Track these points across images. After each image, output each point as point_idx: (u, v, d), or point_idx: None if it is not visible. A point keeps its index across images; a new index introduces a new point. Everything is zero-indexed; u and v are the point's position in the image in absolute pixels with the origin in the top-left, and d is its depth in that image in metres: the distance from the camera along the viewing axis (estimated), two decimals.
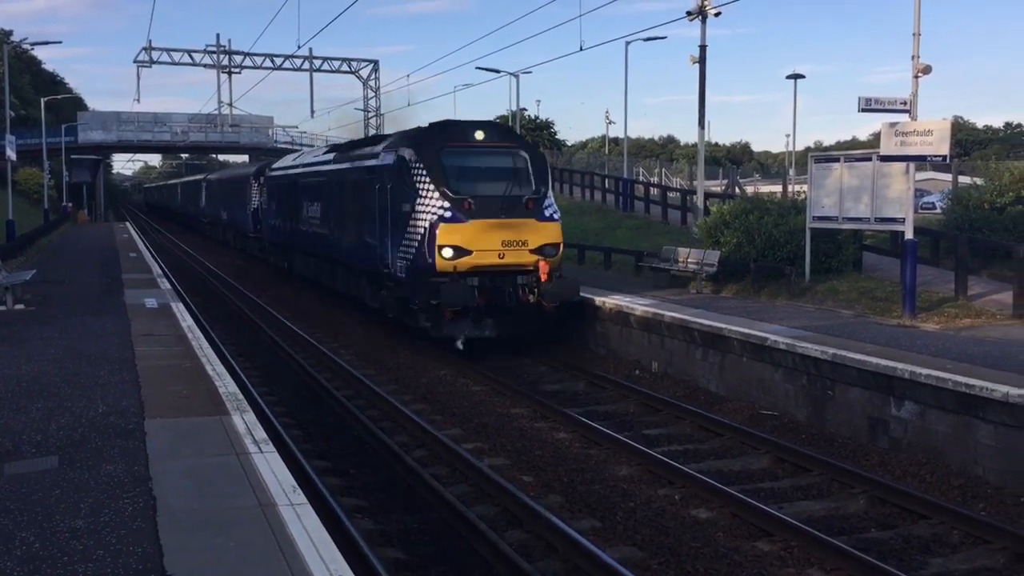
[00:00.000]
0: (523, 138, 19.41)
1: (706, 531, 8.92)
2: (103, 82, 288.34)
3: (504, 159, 17.54)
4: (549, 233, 17.00)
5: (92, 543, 6.09)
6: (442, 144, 17.22)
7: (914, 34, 15.30)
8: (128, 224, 61.86)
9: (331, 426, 12.98)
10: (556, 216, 17.30)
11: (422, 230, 16.56)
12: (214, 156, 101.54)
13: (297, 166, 28.53)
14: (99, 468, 7.71)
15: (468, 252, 16.36)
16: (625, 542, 8.67)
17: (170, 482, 7.30)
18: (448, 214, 16.40)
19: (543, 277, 16.68)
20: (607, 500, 9.80)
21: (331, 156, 24.03)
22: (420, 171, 16.88)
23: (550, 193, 17.67)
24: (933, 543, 8.62)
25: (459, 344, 16.74)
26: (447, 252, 16.29)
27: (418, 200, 16.76)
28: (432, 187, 16.66)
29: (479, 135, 17.40)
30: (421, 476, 10.25)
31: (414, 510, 9.56)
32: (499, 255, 16.55)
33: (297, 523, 6.37)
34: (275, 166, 33.02)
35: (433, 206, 16.52)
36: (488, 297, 16.49)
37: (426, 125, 18.90)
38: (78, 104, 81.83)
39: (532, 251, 16.72)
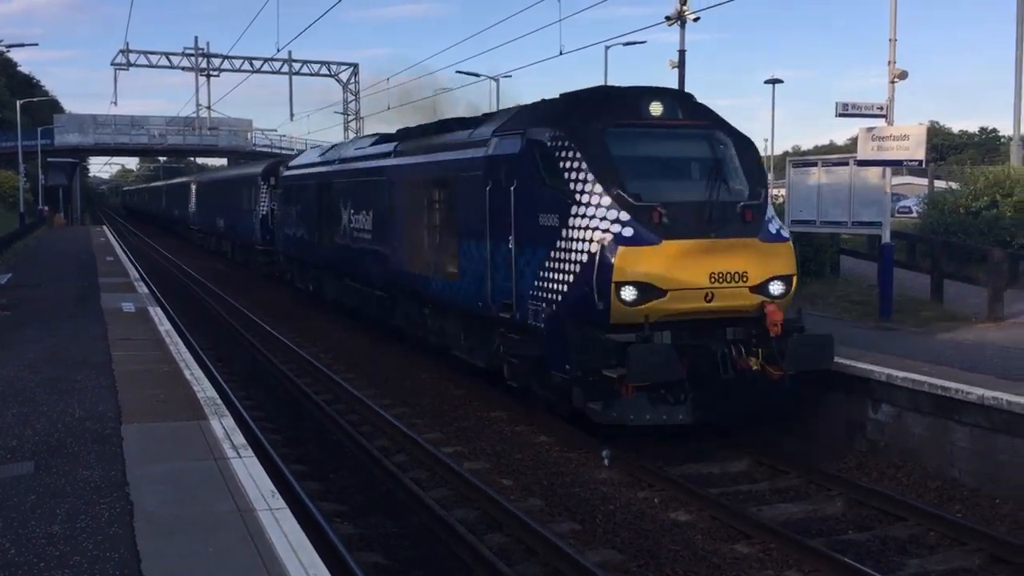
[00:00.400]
0: (718, 115, 12.22)
1: (685, 533, 8.95)
2: (80, 85, 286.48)
3: (699, 145, 11.70)
4: (779, 260, 11.04)
5: (68, 549, 6.04)
6: (606, 122, 11.42)
7: (890, 39, 15.46)
8: (105, 228, 61.36)
9: (310, 430, 12.94)
10: (785, 234, 11.39)
11: (581, 256, 10.71)
12: (192, 159, 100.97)
13: (330, 162, 22.23)
14: (75, 473, 7.64)
15: (662, 293, 10.44)
16: (605, 545, 8.69)
17: (147, 487, 7.25)
18: (629, 231, 10.45)
19: (774, 330, 10.66)
20: (587, 503, 9.82)
21: (388, 148, 17.88)
22: (574, 163, 11.06)
23: (770, 198, 11.85)
24: (910, 544, 8.69)
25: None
26: (628, 293, 10.35)
27: (574, 208, 10.91)
28: (598, 188, 10.78)
29: (656, 108, 11.60)
30: (400, 480, 10.24)
31: (394, 514, 9.54)
32: (706, 296, 10.61)
33: (276, 528, 6.34)
34: (295, 163, 27.16)
35: (601, 218, 10.62)
36: (689, 362, 10.44)
37: (564, 94, 12.68)
38: (54, 107, 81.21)
39: (753, 289, 10.82)
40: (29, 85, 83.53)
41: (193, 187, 51.12)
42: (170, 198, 64.68)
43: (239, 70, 62.43)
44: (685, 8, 26.71)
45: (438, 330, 15.58)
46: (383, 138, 19.67)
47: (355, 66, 64.76)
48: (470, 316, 13.78)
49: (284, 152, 63.38)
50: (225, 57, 61.90)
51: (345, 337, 20.12)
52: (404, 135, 17.92)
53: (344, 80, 64.30)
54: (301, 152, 32.37)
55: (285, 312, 24.19)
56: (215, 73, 63.11)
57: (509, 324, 12.23)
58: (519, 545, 8.57)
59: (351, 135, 60.25)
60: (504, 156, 12.34)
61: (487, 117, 14.55)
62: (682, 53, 27.28)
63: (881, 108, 15.53)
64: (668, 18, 27.09)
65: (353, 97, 63.51)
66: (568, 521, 9.27)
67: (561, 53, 41.41)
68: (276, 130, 75.78)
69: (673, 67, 27.33)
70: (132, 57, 59.72)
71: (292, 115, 62.19)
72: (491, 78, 46.37)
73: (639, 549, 8.55)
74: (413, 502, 9.72)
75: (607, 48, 40.27)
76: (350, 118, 62.76)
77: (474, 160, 13.25)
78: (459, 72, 75.13)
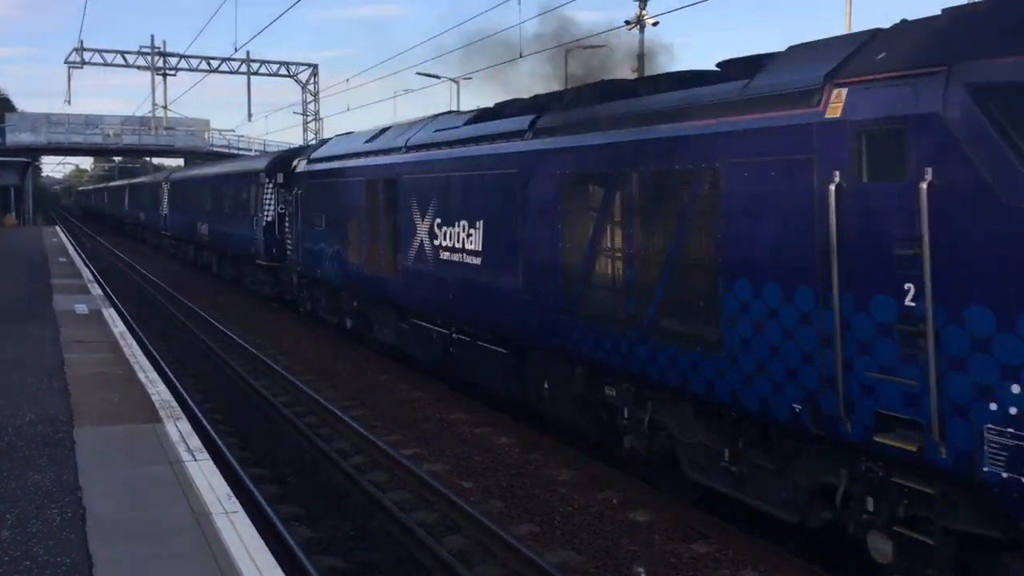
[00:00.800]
0: None
1: (644, 534, 9.00)
2: (33, 83, 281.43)
3: None
4: None
5: (19, 554, 5.93)
6: None
7: None
8: (58, 228, 60.27)
9: (269, 433, 12.82)
10: None
11: None
12: (148, 159, 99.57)
13: (390, 150, 15.44)
14: (26, 478, 7.50)
15: None
16: (564, 546, 8.71)
17: (100, 491, 7.14)
18: None
19: None
20: (547, 504, 9.83)
21: (518, 124, 11.47)
22: None
23: None
24: None
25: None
26: None
27: None
28: None
29: None
30: (359, 483, 10.19)
31: (353, 517, 9.49)
32: None
33: (232, 531, 6.28)
34: (319, 154, 20.20)
35: None
36: None
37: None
38: (6, 105, 79.61)
39: None
40: None
41: (166, 186, 42.93)
42: (135, 198, 57.00)
43: (196, 69, 61.67)
44: (644, 13, 26.98)
45: (652, 436, 9.38)
46: (487, 113, 13.14)
47: (314, 67, 64.32)
48: (759, 426, 7.85)
49: (242, 152, 62.70)
50: (182, 56, 61.15)
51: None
52: (550, 102, 11.40)
53: (303, 81, 63.85)
54: (323, 141, 23.17)
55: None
56: (171, 72, 62.30)
57: (903, 464, 6.46)
58: (478, 547, 8.56)
59: (311, 136, 59.83)
60: (885, 121, 6.37)
61: (782, 55, 7.87)
62: (641, 57, 27.52)
63: None
64: (628, 22, 27.33)
65: (312, 98, 63.10)
66: (527, 523, 9.28)
67: (521, 55, 41.43)
68: (234, 130, 74.89)
69: (633, 70, 27.55)
70: (87, 55, 58.75)
71: (250, 115, 61.58)
72: (452, 80, 46.27)
73: (598, 550, 8.58)
74: (372, 505, 9.68)
75: (568, 51, 40.35)
76: (309, 119, 62.34)
77: (791, 132, 7.09)
78: (419, 74, 74.90)
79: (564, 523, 9.28)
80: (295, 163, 22.07)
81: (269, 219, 24.43)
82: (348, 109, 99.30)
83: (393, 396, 14.89)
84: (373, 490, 9.98)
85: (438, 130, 14.14)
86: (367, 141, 17.35)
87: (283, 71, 63.99)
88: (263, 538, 6.30)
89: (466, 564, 8.11)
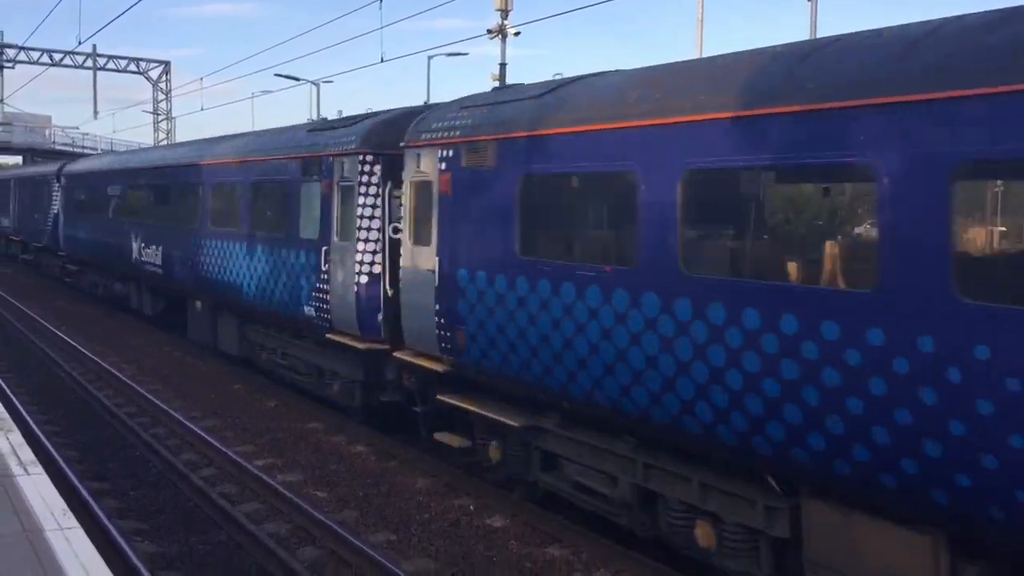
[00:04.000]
0: None
1: (499, 539, 9.05)
2: None
3: None
4: None
5: None
6: None
7: None
8: None
9: (112, 445, 12.23)
10: None
11: None
12: None
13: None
14: None
15: None
16: (420, 554, 8.66)
17: None
18: None
19: None
20: (403, 512, 9.76)
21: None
22: None
23: None
24: None
25: None
26: None
27: None
28: None
29: None
30: (208, 495, 9.85)
31: (200, 531, 9.16)
32: None
33: (67, 549, 5.94)
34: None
35: None
36: None
37: None
38: None
39: None
40: None
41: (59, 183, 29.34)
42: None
43: (37, 62, 58.35)
44: (506, 23, 27.30)
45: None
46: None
47: (167, 64, 62.00)
48: None
49: (87, 152, 59.71)
50: (20, 48, 57.74)
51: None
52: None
53: (154, 78, 61.42)
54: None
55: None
56: (9, 65, 58.75)
57: None
58: (333, 557, 8.41)
59: (162, 136, 57.62)
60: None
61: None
62: (503, 66, 27.89)
63: None
64: (490, 31, 27.57)
65: (164, 96, 60.78)
66: (384, 531, 9.19)
67: (382, 60, 41.27)
68: (78, 128, 71.15)
69: (494, 80, 27.84)
70: None
71: (96, 112, 58.69)
72: (311, 82, 45.52)
73: (454, 556, 8.57)
74: (222, 517, 9.37)
75: (430, 58, 40.37)
76: (161, 118, 60.00)
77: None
78: (278, 75, 73.40)
79: (421, 531, 9.23)
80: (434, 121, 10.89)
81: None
82: (203, 109, 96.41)
83: (246, 406, 14.47)
84: (223, 503, 9.66)
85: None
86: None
87: (132, 67, 61.38)
88: (102, 555, 5.99)
89: (319, 575, 7.95)
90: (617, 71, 9.11)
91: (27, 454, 8.17)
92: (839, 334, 5.96)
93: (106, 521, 8.54)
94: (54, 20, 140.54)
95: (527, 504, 9.70)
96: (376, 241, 11.75)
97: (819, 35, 22.79)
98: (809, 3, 23.01)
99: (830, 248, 6.54)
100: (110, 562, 5.96)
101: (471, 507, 9.92)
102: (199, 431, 12.32)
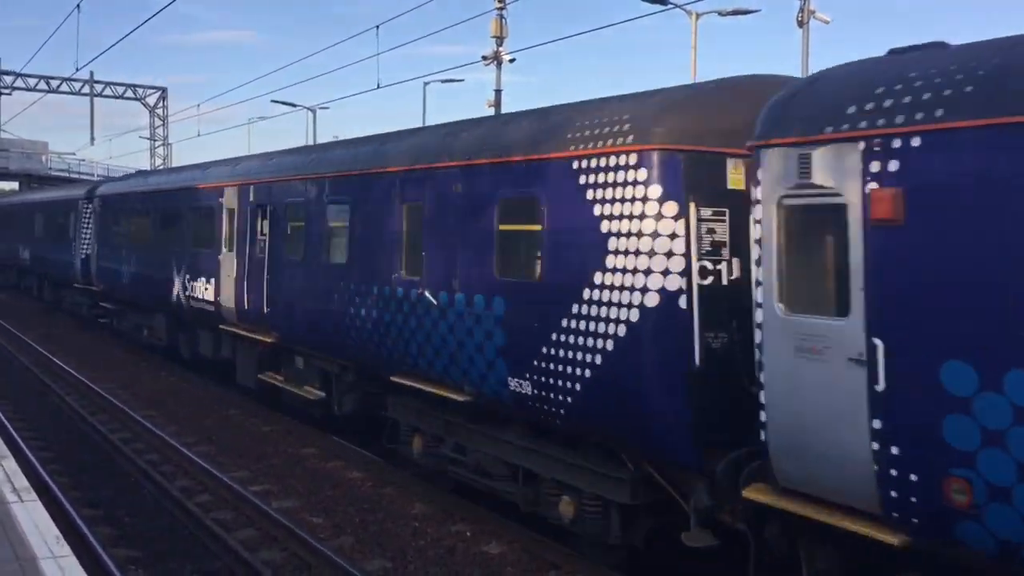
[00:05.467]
0: None
1: (495, 566, 8.99)
2: None
3: None
4: None
5: None
6: None
7: None
8: None
9: (107, 472, 12.15)
10: None
11: None
12: None
13: None
14: None
15: None
16: None
17: None
18: None
19: None
20: (399, 539, 9.69)
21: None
22: None
23: None
24: None
25: None
26: None
27: None
28: None
29: None
30: (203, 522, 9.78)
31: (195, 558, 9.08)
32: None
33: None
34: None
35: None
36: None
37: None
38: None
39: None
40: None
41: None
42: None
43: (34, 89, 58.51)
44: (501, 49, 27.44)
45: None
46: None
47: (163, 90, 62.18)
48: None
49: (83, 177, 59.76)
50: (18, 75, 57.93)
51: None
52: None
53: (151, 104, 61.61)
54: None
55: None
56: (7, 91, 58.89)
57: None
58: None
59: (159, 162, 57.71)
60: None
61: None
62: (498, 92, 28.00)
63: None
64: (485, 58, 27.73)
65: (161, 122, 60.94)
66: (380, 558, 9.12)
67: (379, 86, 41.54)
68: (75, 154, 71.23)
69: (490, 106, 27.97)
70: None
71: (93, 139, 58.78)
72: (308, 108, 45.72)
73: None
74: (216, 544, 9.29)
75: (425, 84, 40.63)
76: (157, 144, 60.13)
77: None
78: (274, 101, 73.65)
79: (417, 557, 9.16)
80: None
81: None
82: (199, 135, 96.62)
83: (242, 431, 14.40)
84: (218, 529, 9.59)
85: None
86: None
87: (129, 94, 61.58)
88: None
89: None
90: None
91: (21, 481, 8.14)
92: None
93: (100, 549, 8.47)
94: (52, 46, 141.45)
95: (524, 531, 9.64)
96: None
97: (811, 60, 22.89)
98: (800, 29, 23.18)
99: None
100: None
101: (468, 533, 9.85)
102: (194, 456, 12.24)
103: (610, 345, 7.56)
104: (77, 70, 44.90)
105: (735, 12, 26.38)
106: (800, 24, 22.95)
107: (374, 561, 8.99)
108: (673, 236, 7.27)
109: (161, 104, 61.85)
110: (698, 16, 26.65)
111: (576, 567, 8.73)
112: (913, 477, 5.60)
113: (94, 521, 9.79)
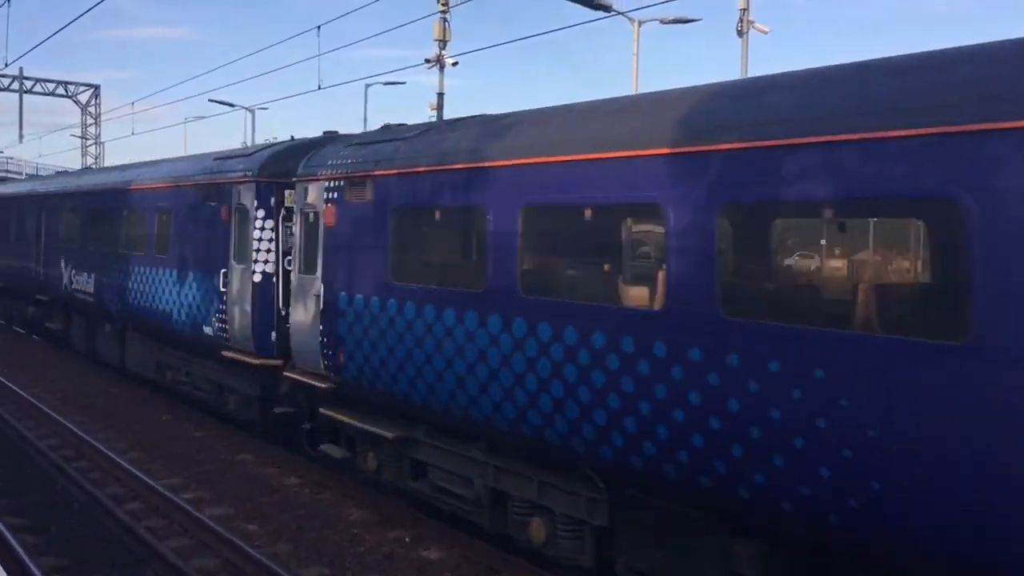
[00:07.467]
0: None
1: (435, 571, 8.91)
2: None
3: None
4: None
5: None
6: None
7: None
8: None
9: (32, 479, 11.78)
10: None
11: None
12: None
13: None
14: None
15: None
16: None
17: None
18: None
19: None
20: (337, 545, 9.56)
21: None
22: None
23: None
24: None
25: None
26: None
27: None
28: None
29: None
30: (134, 530, 9.53)
31: (126, 567, 8.84)
32: None
33: None
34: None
35: None
36: None
37: None
38: None
39: None
40: None
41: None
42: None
43: None
44: (444, 53, 27.32)
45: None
46: None
47: (96, 87, 60.73)
48: None
49: (12, 176, 58.05)
50: None
51: None
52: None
53: (83, 102, 60.13)
54: None
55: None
56: None
57: None
58: None
59: (90, 161, 56.38)
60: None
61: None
62: (440, 95, 27.86)
63: None
64: (428, 61, 27.56)
65: (93, 120, 59.51)
66: (317, 564, 8.98)
67: (320, 88, 41.13)
68: (2, 152, 69.19)
69: (432, 109, 27.87)
70: None
71: (21, 136, 57.30)
72: (246, 108, 45.08)
73: None
74: (147, 553, 9.06)
75: (367, 86, 40.35)
76: (89, 143, 58.71)
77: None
78: (212, 100, 72.40)
79: (355, 564, 9.05)
80: None
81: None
82: (133, 133, 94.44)
83: (174, 437, 14.09)
84: (149, 537, 9.36)
85: None
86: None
87: (60, 90, 60.03)
88: None
89: None
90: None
91: None
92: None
93: (26, 558, 8.21)
94: None
95: (463, 536, 9.58)
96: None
97: (750, 69, 23.28)
98: (740, 39, 23.53)
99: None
100: None
101: (406, 539, 9.77)
102: (125, 463, 11.94)
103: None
104: (6, 66, 43.56)
105: (676, 20, 26.67)
106: (740, 34, 23.29)
107: (311, 568, 8.85)
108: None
109: (94, 102, 60.43)
110: (640, 23, 26.88)
111: (516, 572, 8.70)
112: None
113: (18, 529, 9.48)
